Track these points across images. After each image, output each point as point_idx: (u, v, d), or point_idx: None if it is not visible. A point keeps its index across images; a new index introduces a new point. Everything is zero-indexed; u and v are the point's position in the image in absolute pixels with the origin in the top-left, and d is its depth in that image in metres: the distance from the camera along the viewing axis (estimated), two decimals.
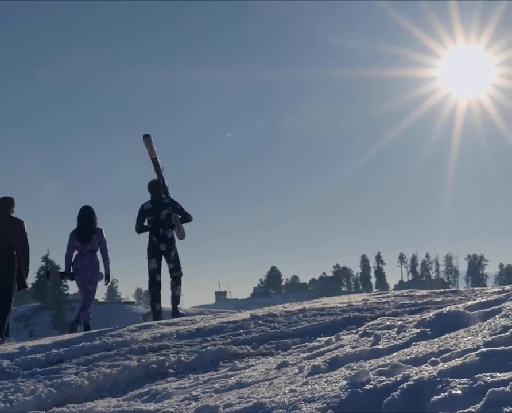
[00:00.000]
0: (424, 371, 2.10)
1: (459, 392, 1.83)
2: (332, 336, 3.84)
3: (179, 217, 8.42)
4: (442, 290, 6.94)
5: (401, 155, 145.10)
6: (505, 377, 1.84)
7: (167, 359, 4.03)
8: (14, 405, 3.26)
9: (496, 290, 5.55)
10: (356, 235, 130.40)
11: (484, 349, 2.16)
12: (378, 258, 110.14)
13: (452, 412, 1.72)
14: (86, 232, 7.99)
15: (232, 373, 3.39)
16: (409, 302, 5.57)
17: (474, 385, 1.85)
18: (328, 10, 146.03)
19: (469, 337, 2.57)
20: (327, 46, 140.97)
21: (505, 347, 2.13)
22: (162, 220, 8.12)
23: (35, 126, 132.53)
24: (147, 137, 8.44)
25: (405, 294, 6.52)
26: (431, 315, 3.35)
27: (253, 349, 4.20)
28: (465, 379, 1.90)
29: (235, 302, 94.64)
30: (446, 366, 2.10)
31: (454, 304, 4.18)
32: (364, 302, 5.97)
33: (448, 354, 2.32)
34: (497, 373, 1.89)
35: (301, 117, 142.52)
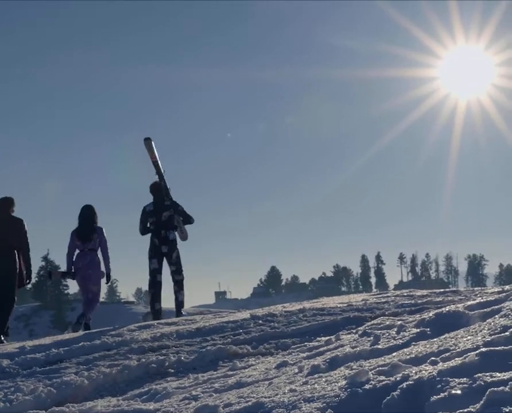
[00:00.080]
0: (424, 371, 2.10)
1: (459, 391, 1.83)
2: (331, 336, 3.84)
3: (181, 218, 8.44)
4: (442, 290, 6.94)
5: (401, 155, 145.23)
6: (504, 377, 1.84)
7: (167, 359, 4.03)
8: (14, 405, 3.27)
9: (495, 290, 5.55)
10: (356, 235, 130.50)
11: (483, 349, 2.16)
12: (378, 258, 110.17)
13: (451, 412, 1.72)
14: (87, 231, 7.99)
15: (231, 372, 3.39)
16: (409, 301, 5.57)
17: (474, 385, 1.85)
18: (328, 10, 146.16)
19: (469, 337, 2.57)
20: (327, 46, 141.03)
21: (505, 347, 2.13)
22: (163, 222, 8.14)
23: (35, 126, 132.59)
24: (148, 141, 8.45)
25: (405, 294, 6.52)
26: (431, 315, 3.35)
27: (253, 348, 4.20)
28: (465, 379, 1.90)
29: (235, 302, 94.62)
30: (445, 366, 2.10)
31: (454, 304, 4.18)
32: (364, 301, 5.97)
33: (447, 354, 2.32)
34: (497, 373, 1.89)
35: (301, 117, 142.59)
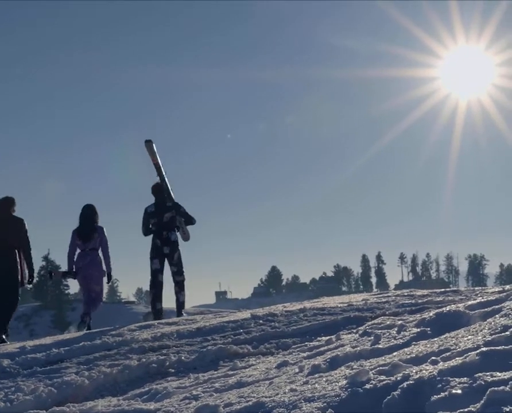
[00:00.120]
0: (424, 371, 2.10)
1: (459, 391, 1.83)
2: (332, 336, 3.84)
3: (183, 220, 8.47)
4: (442, 290, 6.94)
5: (401, 155, 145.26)
6: (505, 377, 1.84)
7: (167, 359, 4.03)
8: (15, 405, 3.27)
9: (496, 290, 5.54)
10: (356, 235, 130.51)
11: (484, 349, 2.16)
12: (379, 258, 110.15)
13: (452, 412, 1.72)
14: (88, 231, 8.00)
15: (232, 372, 3.39)
16: (409, 301, 5.57)
17: (474, 385, 1.85)
18: (328, 10, 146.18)
19: (469, 336, 2.57)
20: (327, 46, 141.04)
21: (506, 347, 2.13)
22: (165, 223, 8.18)
23: (35, 126, 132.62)
24: (149, 143, 8.47)
25: (405, 294, 6.52)
26: (431, 314, 3.35)
27: (254, 348, 4.20)
28: (465, 378, 1.90)
29: (236, 302, 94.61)
30: (446, 365, 2.10)
31: (454, 304, 4.18)
32: (364, 301, 5.97)
33: (448, 354, 2.32)
34: (498, 373, 1.89)
35: (301, 117, 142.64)
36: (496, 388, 1.75)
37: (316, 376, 2.59)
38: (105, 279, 8.18)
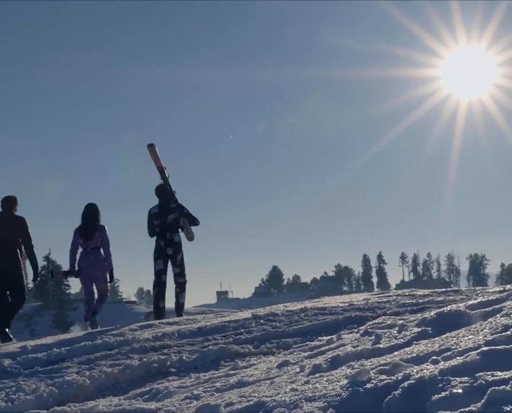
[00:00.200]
0: (425, 370, 2.10)
1: (460, 390, 1.83)
2: (333, 336, 3.84)
3: (186, 221, 8.51)
4: (443, 289, 6.94)
5: (402, 155, 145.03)
6: (506, 376, 1.84)
7: (168, 359, 4.04)
8: (16, 404, 3.27)
9: (497, 290, 5.54)
10: (357, 235, 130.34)
11: (485, 348, 2.16)
12: (379, 258, 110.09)
13: (452, 411, 1.72)
14: (89, 230, 8.00)
15: (233, 372, 3.39)
16: (410, 301, 5.57)
17: (475, 384, 1.85)
18: (328, 10, 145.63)
19: (470, 336, 2.58)
20: (327, 46, 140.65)
21: (506, 346, 2.13)
22: (168, 224, 8.24)
23: (35, 126, 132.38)
24: (151, 147, 8.50)
25: (406, 293, 6.52)
26: (432, 314, 3.35)
27: (255, 348, 4.21)
28: (466, 378, 1.90)
29: (237, 302, 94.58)
30: (447, 365, 2.10)
31: (455, 304, 4.18)
32: (365, 301, 5.97)
33: (448, 353, 2.32)
34: (498, 372, 1.89)
35: (301, 117, 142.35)
36: (496, 388, 1.75)
37: (317, 375, 2.59)
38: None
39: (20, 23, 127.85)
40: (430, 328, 3.06)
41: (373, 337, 3.27)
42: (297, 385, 2.45)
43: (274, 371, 3.09)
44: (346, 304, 5.84)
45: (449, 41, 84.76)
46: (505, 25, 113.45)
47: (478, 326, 2.78)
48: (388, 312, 5.00)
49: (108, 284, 8.24)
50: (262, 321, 5.23)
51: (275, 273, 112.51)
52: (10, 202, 7.60)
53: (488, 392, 1.74)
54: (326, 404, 2.07)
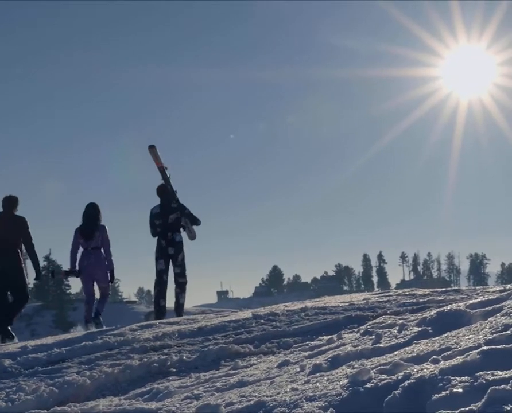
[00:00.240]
0: (425, 370, 2.10)
1: (460, 390, 1.83)
2: (333, 335, 3.84)
3: (188, 220, 8.53)
4: (443, 289, 6.94)
5: (402, 155, 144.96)
6: (506, 375, 1.84)
7: (169, 359, 4.04)
8: (16, 404, 3.27)
9: (497, 289, 5.54)
10: (357, 234, 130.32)
11: (485, 347, 2.16)
12: (380, 257, 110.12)
13: (453, 410, 1.72)
14: (89, 229, 8.01)
15: (233, 372, 3.39)
16: (411, 300, 5.57)
17: (475, 383, 1.85)
18: (328, 10, 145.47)
19: (471, 335, 2.58)
20: (327, 46, 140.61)
21: (506, 346, 2.13)
22: (170, 224, 8.27)
23: (35, 126, 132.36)
24: (152, 148, 8.52)
25: (407, 293, 6.52)
26: (432, 313, 3.35)
27: (255, 347, 4.20)
28: (466, 377, 1.90)
29: (237, 301, 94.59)
30: (447, 364, 2.10)
31: (455, 303, 4.18)
32: (365, 300, 5.97)
33: (449, 353, 2.32)
34: (498, 371, 1.89)
35: (301, 117, 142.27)
36: (497, 387, 1.75)
37: (317, 375, 2.59)
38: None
39: (20, 23, 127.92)
40: (430, 328, 3.06)
41: (373, 337, 3.27)
42: (297, 385, 2.45)
43: (274, 371, 3.09)
44: (347, 303, 5.84)
45: (449, 40, 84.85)
46: (505, 25, 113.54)
47: (478, 325, 2.78)
48: (388, 311, 5.00)
49: (109, 283, 8.25)
50: (262, 321, 5.23)
51: (276, 273, 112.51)
52: (11, 201, 7.61)
53: (489, 391, 1.74)
54: (326, 403, 2.07)
